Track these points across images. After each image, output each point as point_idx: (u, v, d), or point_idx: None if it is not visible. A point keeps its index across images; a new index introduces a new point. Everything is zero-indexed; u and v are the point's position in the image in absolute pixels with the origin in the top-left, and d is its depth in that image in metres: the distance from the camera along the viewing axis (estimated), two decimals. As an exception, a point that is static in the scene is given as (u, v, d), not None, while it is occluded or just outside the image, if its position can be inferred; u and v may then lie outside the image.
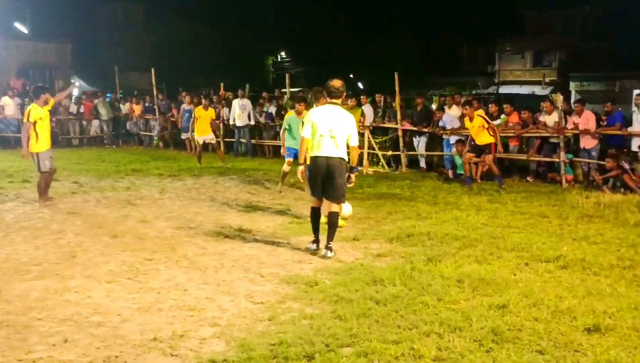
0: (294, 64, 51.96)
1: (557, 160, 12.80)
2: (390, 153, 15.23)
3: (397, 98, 14.98)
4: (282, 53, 55.38)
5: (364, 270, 6.39)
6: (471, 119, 12.12)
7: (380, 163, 14.93)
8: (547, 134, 13.05)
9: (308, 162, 7.26)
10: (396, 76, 14.99)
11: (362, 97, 16.29)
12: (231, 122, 18.26)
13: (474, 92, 36.67)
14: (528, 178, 13.26)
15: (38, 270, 6.40)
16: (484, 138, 12.01)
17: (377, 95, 17.42)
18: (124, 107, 22.19)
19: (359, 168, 14.51)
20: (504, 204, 10.22)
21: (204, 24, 46.69)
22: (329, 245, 7.06)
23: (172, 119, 20.26)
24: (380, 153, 14.99)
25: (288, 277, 6.19)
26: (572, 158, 12.84)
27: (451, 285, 5.85)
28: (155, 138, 20.91)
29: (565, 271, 6.38)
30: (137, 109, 21.43)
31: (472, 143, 12.34)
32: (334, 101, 7.17)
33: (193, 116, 15.73)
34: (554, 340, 4.60)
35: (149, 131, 21.41)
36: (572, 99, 24.58)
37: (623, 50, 42.22)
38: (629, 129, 12.46)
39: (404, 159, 14.85)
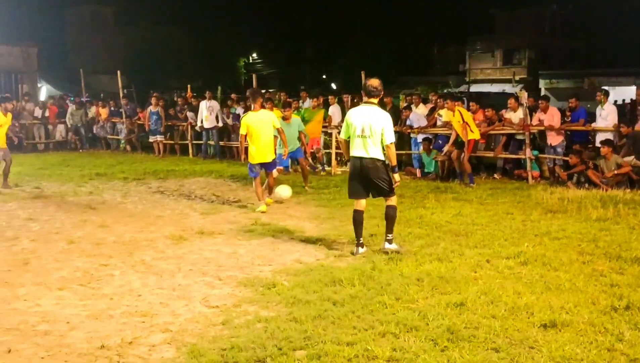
0: (265, 66, 51.78)
1: (523, 157, 12.85)
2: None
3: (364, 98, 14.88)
4: (254, 54, 55.14)
5: (324, 270, 6.30)
6: (454, 112, 12.14)
7: (347, 163, 14.84)
8: (513, 131, 13.09)
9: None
10: (363, 76, 14.92)
11: (330, 97, 16.21)
12: (199, 124, 18.05)
13: (445, 91, 36.88)
14: (495, 175, 13.28)
15: (-12, 278, 6.21)
16: (467, 135, 12.07)
17: (344, 95, 17.34)
18: (91, 111, 21.83)
19: (327, 168, 14.46)
20: (469, 201, 10.22)
21: (175, 26, 46.27)
22: (389, 238, 7.01)
23: (139, 122, 19.98)
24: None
25: (246, 280, 6.08)
26: (537, 154, 12.89)
27: (410, 284, 5.78)
28: (123, 142, 20.62)
29: (526, 267, 6.36)
30: (104, 112, 21.10)
31: (458, 139, 12.34)
32: (371, 100, 7.05)
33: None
34: (510, 337, 4.55)
35: (116, 134, 21.10)
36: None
37: (591, 48, 42.85)
38: (593, 125, 12.55)
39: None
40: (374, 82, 7.03)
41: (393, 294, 5.49)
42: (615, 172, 11.11)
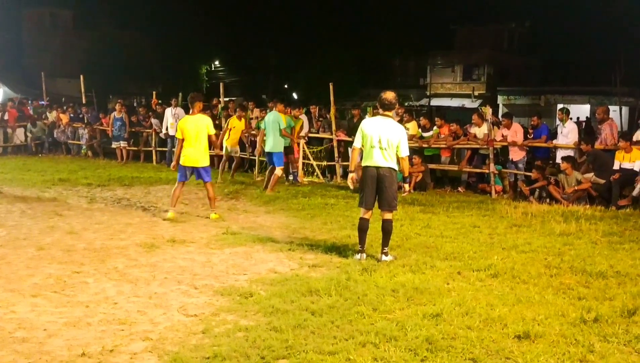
0: (228, 73, 51.58)
1: (486, 171, 13.14)
2: (325, 163, 15.28)
3: (332, 109, 15.06)
4: (217, 62, 54.86)
5: (299, 280, 6.35)
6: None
7: (315, 173, 14.96)
8: (477, 146, 13.39)
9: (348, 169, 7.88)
10: (331, 87, 15.11)
11: (297, 108, 16.27)
12: (164, 131, 17.90)
13: (406, 104, 37.35)
14: (459, 189, 13.56)
15: (-43, 284, 6.07)
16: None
17: (311, 106, 17.48)
18: (51, 115, 21.44)
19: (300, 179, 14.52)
20: (437, 214, 10.41)
21: (137, 31, 45.72)
22: (385, 250, 7.21)
23: (100, 128, 19.71)
24: (315, 163, 15.02)
25: (222, 289, 6.09)
26: (500, 169, 13.21)
27: (386, 294, 5.88)
28: (84, 147, 20.30)
29: (496, 279, 6.53)
30: (64, 117, 20.75)
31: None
32: (386, 113, 7.31)
33: (226, 126, 15.24)
34: (486, 348, 4.68)
35: (77, 139, 20.75)
36: (500, 113, 25.43)
37: (548, 65, 44.02)
38: (554, 141, 12.94)
39: (339, 170, 14.92)
40: (389, 95, 7.29)
41: (370, 304, 5.58)
42: (576, 188, 11.47)
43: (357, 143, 7.38)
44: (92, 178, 14.24)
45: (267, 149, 12.74)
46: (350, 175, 7.70)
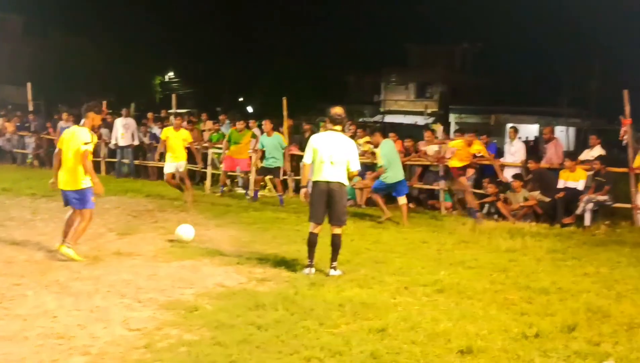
0: (182, 85, 51.12)
1: (436, 188, 13.32)
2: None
3: (285, 123, 15.06)
4: (171, 73, 54.34)
5: (247, 294, 6.30)
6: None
7: (268, 187, 14.90)
8: (428, 163, 13.57)
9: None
10: (284, 101, 15.12)
11: (250, 121, 16.24)
12: (113, 141, 17.60)
13: (360, 120, 37.68)
14: (410, 204, 13.65)
15: None
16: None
17: (264, 121, 17.44)
18: (-4, 123, 20.83)
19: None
20: (387, 229, 10.50)
21: (88, 38, 44.90)
22: (334, 265, 7.21)
23: (47, 137, 19.26)
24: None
25: (167, 303, 5.99)
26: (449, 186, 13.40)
27: (333, 309, 5.88)
28: (30, 156, 19.77)
29: (442, 294, 6.60)
30: (10, 125, 20.18)
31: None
32: (335, 128, 7.34)
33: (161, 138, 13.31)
34: (430, 363, 4.71)
35: (23, 148, 20.20)
36: (452, 130, 25.86)
37: (498, 85, 45.09)
38: (502, 159, 13.22)
39: (291, 184, 14.90)
40: (338, 110, 7.37)
41: (316, 319, 5.56)
42: (522, 204, 11.72)
43: (308, 158, 7.41)
44: (37, 188, 13.80)
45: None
46: (303, 190, 7.72)
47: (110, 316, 5.57)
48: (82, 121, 7.93)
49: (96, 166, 18.02)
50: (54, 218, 10.37)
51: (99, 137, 18.16)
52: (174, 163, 12.46)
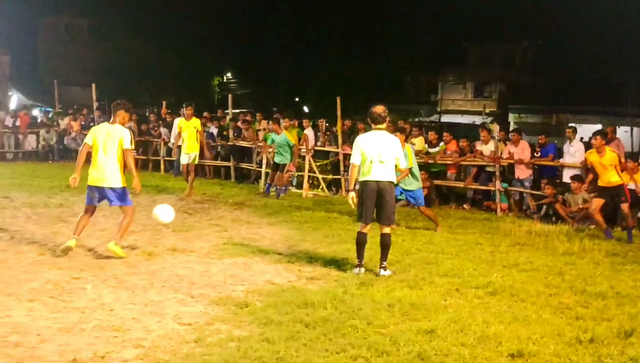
0: (240, 86, 51.85)
1: (492, 189, 13.11)
2: (330, 176, 15.30)
3: (339, 122, 15.10)
4: (229, 74, 55.21)
5: (296, 292, 6.35)
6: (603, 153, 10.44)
7: (320, 187, 14.97)
8: (484, 163, 13.36)
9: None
10: (338, 101, 15.14)
11: (304, 120, 16.36)
12: (172, 140, 17.98)
13: (416, 120, 37.36)
14: (465, 206, 13.51)
15: (-44, 287, 6.12)
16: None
17: (319, 120, 17.56)
18: (63, 122, 21.65)
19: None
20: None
21: (150, 41, 46.19)
22: (384, 265, 7.20)
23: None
24: (320, 176, 15.04)
25: (218, 298, 6.10)
26: (506, 187, 13.17)
27: (382, 309, 5.86)
28: (93, 155, 20.41)
29: (494, 297, 6.49)
30: (76, 124, 20.93)
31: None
32: (378, 126, 7.31)
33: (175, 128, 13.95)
34: (479, 365, 4.65)
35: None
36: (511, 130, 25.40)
37: (560, 84, 43.89)
38: (561, 160, 12.90)
39: (344, 184, 14.91)
40: (379, 109, 7.31)
41: (364, 318, 5.56)
42: (581, 206, 11.41)
43: (356, 159, 7.29)
44: (99, 186, 14.28)
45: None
46: (351, 194, 7.46)
47: (164, 310, 5.72)
48: (112, 118, 7.93)
49: (156, 165, 18.70)
50: (114, 214, 10.66)
51: (159, 136, 18.71)
52: (188, 153, 13.10)
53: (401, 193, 10.22)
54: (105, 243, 8.03)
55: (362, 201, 7.27)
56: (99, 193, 7.79)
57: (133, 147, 7.90)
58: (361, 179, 7.29)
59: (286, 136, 13.72)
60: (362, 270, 7.27)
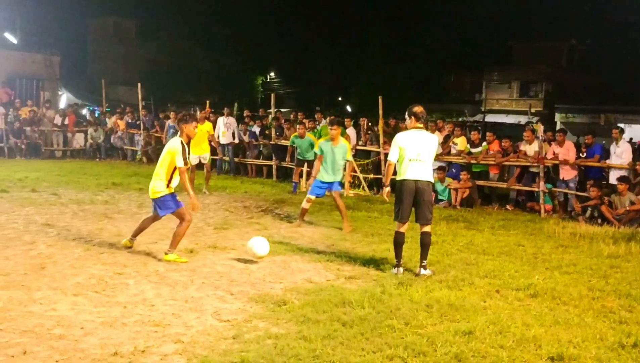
0: (283, 85, 52.12)
1: (536, 189, 12.89)
2: (371, 176, 15.27)
3: (380, 122, 15.06)
4: (272, 73, 55.53)
5: (334, 291, 6.36)
6: None
7: (362, 186, 14.95)
8: (527, 164, 13.15)
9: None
10: (380, 100, 15.10)
11: (346, 119, 16.37)
12: (215, 139, 18.22)
13: (460, 119, 37.00)
14: (507, 207, 13.33)
15: (5, 280, 6.32)
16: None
17: (361, 118, 17.54)
18: (110, 121, 22.14)
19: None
20: (481, 231, 10.27)
21: (196, 41, 46.83)
22: (424, 264, 7.20)
23: (156, 134, 20.22)
24: (361, 176, 15.02)
25: (257, 296, 6.16)
26: (551, 187, 12.93)
27: (420, 309, 5.84)
28: (139, 153, 20.84)
29: (535, 299, 6.40)
30: (122, 123, 21.38)
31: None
32: (418, 125, 7.31)
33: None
34: (517, 368, 4.59)
35: (133, 145, 21.33)
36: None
37: (608, 84, 42.80)
38: (607, 161, 12.60)
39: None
40: (420, 108, 7.33)
41: (402, 318, 5.55)
42: (628, 208, 11.13)
43: (394, 156, 7.30)
44: (144, 183, 14.47)
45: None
46: (386, 189, 7.54)
47: (203, 306, 5.81)
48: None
49: (199, 163, 18.92)
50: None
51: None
52: (198, 155, 13.59)
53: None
54: (148, 241, 8.22)
55: (400, 200, 7.24)
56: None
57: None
58: (399, 178, 7.27)
59: (310, 139, 14.34)
60: (401, 270, 7.24)
